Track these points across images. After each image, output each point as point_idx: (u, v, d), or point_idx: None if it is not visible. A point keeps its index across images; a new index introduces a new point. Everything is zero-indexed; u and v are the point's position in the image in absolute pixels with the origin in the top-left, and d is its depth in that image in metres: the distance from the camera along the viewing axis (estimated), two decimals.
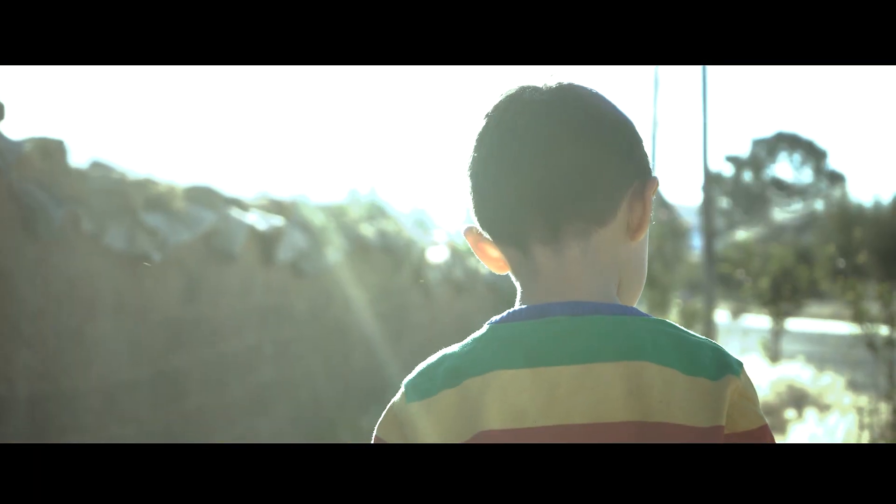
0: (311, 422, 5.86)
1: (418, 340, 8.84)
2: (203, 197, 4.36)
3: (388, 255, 7.57)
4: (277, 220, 5.13)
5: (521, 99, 1.07)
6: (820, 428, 5.86)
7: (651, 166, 1.11)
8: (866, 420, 5.69)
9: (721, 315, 14.36)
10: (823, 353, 8.99)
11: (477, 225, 1.10)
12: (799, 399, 7.44)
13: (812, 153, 64.48)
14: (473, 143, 1.08)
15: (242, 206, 4.97)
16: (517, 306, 1.06)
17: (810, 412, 6.31)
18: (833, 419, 6.04)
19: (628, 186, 1.06)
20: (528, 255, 1.06)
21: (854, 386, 7.67)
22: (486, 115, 1.08)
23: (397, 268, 7.93)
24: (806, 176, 64.55)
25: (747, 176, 64.47)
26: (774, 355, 9.55)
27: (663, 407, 0.97)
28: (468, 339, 1.05)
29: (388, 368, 7.79)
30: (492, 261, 1.12)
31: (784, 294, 8.78)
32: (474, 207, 1.09)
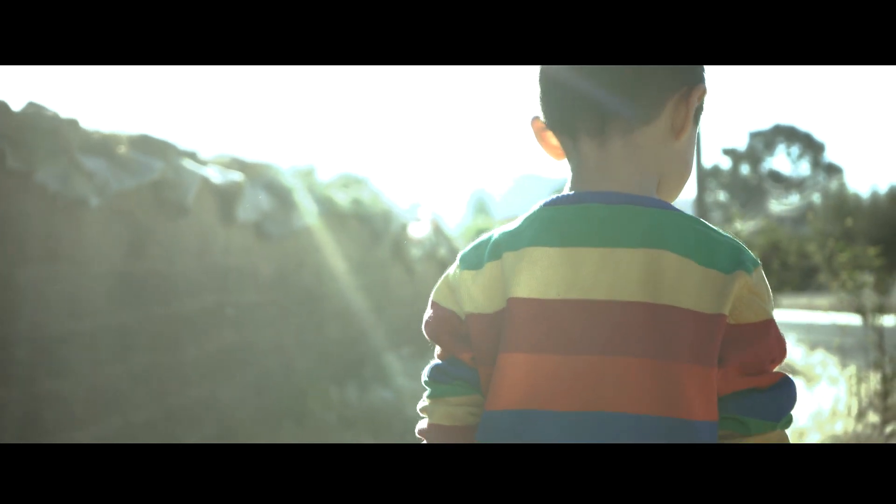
0: (278, 390, 5.65)
1: (400, 317, 8.61)
2: (151, 146, 4.13)
3: (364, 224, 7.35)
4: (236, 176, 4.90)
5: None
6: (808, 395, 5.64)
7: (703, 77, 1.19)
8: (854, 389, 5.50)
9: None
10: (816, 340, 8.76)
11: (541, 115, 1.21)
12: (788, 373, 7.21)
13: (809, 146, 64.25)
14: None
15: (199, 160, 4.74)
16: (565, 192, 1.17)
17: (798, 381, 6.08)
18: (821, 387, 5.83)
19: (675, 90, 1.15)
20: (577, 145, 1.17)
21: (846, 366, 7.44)
22: None
23: (376, 240, 7.72)
24: (803, 168, 64.37)
25: (745, 169, 64.24)
26: None
27: (673, 292, 1.06)
28: (521, 217, 1.17)
29: (366, 342, 7.57)
30: (551, 148, 1.22)
31: (773, 269, 8.54)
32: (540, 98, 1.20)
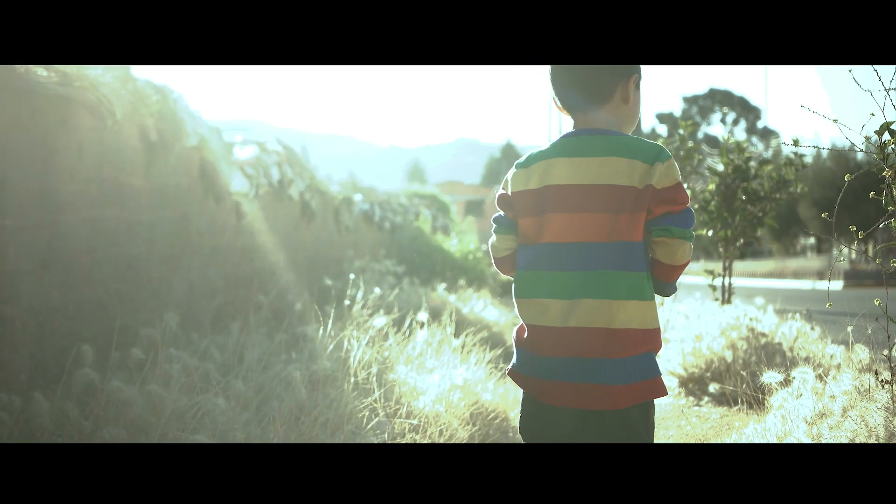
0: None
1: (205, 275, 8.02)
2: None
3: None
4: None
5: None
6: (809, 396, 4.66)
7: (637, 69, 2.21)
8: (864, 387, 4.87)
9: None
10: (773, 308, 8.25)
11: (556, 100, 2.24)
12: (771, 354, 6.45)
13: (746, 110, 64.85)
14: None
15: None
16: (570, 131, 2.20)
17: (798, 376, 4.66)
18: (828, 382, 5.21)
19: (620, 81, 2.16)
20: (575, 116, 2.19)
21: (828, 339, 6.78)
22: None
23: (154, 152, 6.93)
24: (739, 133, 65.00)
25: (680, 133, 64.53)
26: (726, 296, 8.26)
27: (624, 177, 2.03)
28: (550, 142, 2.18)
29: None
30: (564, 115, 2.26)
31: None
32: (554, 93, 2.23)
